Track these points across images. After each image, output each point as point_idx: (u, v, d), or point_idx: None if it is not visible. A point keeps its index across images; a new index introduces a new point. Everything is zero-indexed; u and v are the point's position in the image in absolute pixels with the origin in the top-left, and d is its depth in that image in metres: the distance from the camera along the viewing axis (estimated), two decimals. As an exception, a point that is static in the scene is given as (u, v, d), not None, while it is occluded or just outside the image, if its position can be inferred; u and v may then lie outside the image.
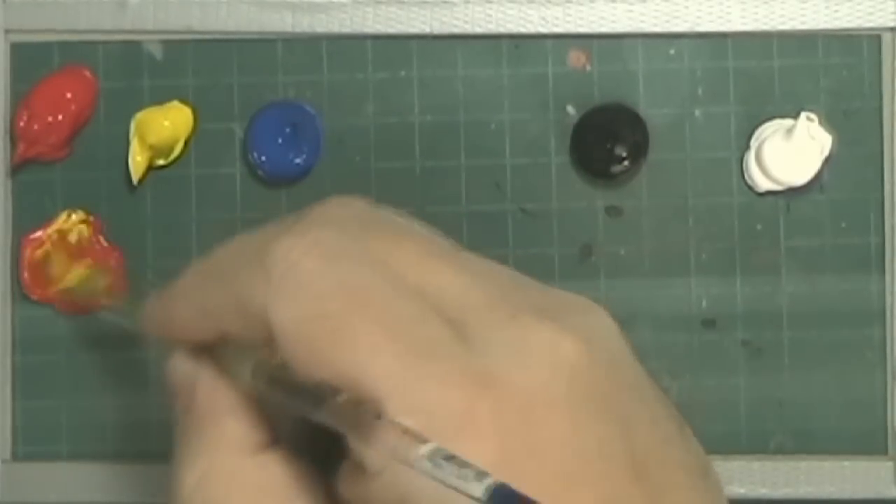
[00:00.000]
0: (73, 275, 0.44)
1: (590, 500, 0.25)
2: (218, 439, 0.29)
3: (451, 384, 0.25)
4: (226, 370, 0.30)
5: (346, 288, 0.26)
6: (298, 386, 0.27)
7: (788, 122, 0.43)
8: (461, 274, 0.28)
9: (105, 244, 0.45)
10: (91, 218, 0.45)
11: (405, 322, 0.26)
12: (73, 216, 0.45)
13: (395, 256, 0.28)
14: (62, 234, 0.45)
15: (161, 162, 0.45)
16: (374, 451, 0.24)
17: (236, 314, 0.28)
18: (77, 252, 0.45)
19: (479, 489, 0.22)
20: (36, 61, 0.45)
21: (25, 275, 0.45)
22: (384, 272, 0.27)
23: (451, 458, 0.23)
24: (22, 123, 0.45)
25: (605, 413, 0.26)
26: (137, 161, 0.44)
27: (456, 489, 0.22)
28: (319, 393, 0.26)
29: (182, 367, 0.30)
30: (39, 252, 0.45)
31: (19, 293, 0.45)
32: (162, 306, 0.31)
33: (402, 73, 0.45)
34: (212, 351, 0.30)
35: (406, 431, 0.24)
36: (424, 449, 0.23)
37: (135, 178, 0.44)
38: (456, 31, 0.44)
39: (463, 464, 0.23)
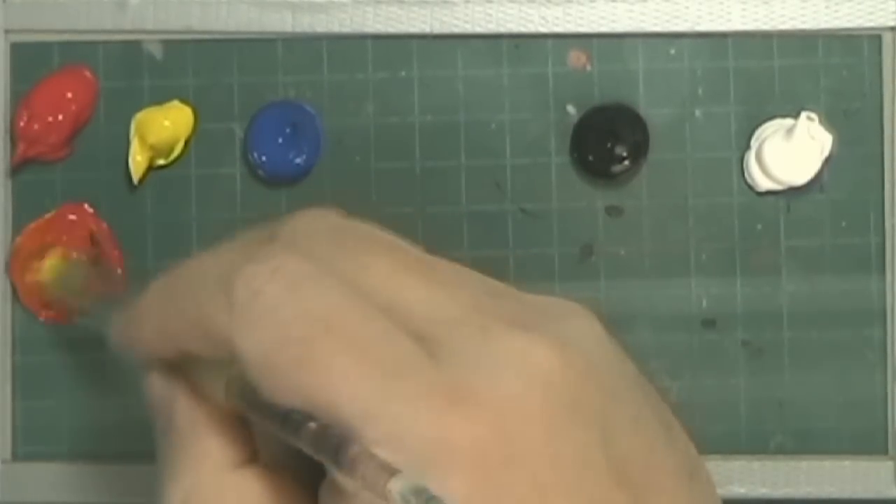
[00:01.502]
0: (47, 266, 0.44)
1: None
2: (199, 457, 0.29)
3: (421, 401, 0.25)
4: (199, 388, 0.30)
5: (310, 313, 0.26)
6: (270, 408, 0.26)
7: (789, 121, 0.43)
8: (431, 288, 0.28)
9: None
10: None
11: (372, 343, 0.26)
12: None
13: (363, 274, 0.27)
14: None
15: (161, 162, 0.45)
16: (346, 479, 0.24)
17: (200, 339, 0.28)
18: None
19: None
20: (36, 61, 0.45)
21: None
22: (350, 294, 0.27)
23: (421, 491, 0.23)
24: (22, 123, 0.45)
25: (583, 420, 0.26)
26: (137, 161, 0.44)
27: None
28: (291, 419, 0.26)
29: (157, 385, 0.30)
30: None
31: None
32: (127, 324, 0.31)
33: (402, 73, 0.45)
34: (184, 368, 0.30)
35: (376, 461, 0.24)
36: (395, 484, 0.23)
37: (135, 178, 0.44)
38: (456, 31, 0.44)
39: (431, 499, 0.22)
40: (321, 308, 0.26)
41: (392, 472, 0.23)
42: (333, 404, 0.25)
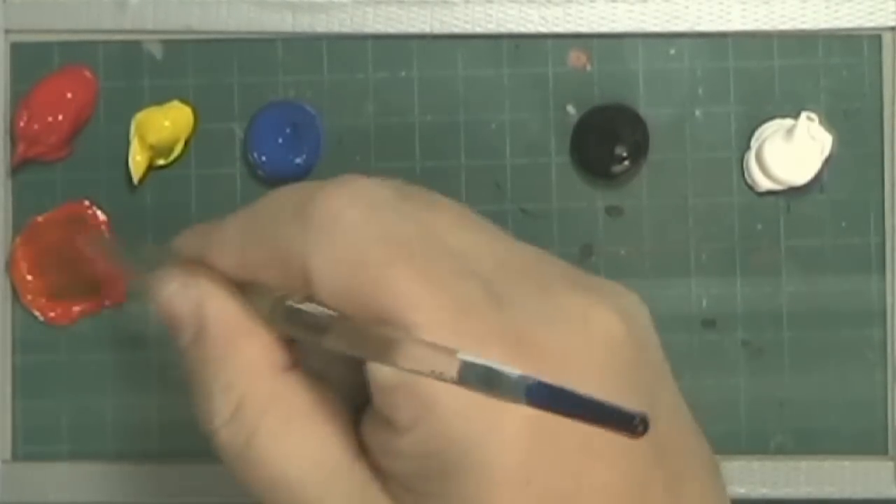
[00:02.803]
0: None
1: (610, 477, 0.25)
2: (247, 361, 0.28)
3: (489, 340, 0.25)
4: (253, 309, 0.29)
5: (387, 238, 0.26)
6: (320, 322, 0.26)
7: (789, 122, 0.43)
8: (496, 242, 0.28)
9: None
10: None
11: (445, 277, 0.26)
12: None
13: (434, 218, 0.28)
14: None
15: (161, 162, 0.45)
16: (403, 362, 0.24)
17: (276, 267, 0.27)
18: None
19: (519, 389, 0.22)
20: (36, 61, 0.45)
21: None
22: (425, 228, 0.27)
23: (484, 367, 0.22)
24: (22, 123, 0.45)
25: (635, 387, 0.26)
26: (137, 161, 0.44)
27: (493, 394, 0.22)
28: (341, 326, 0.25)
29: (185, 293, 0.29)
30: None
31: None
32: (199, 246, 0.30)
33: (402, 73, 0.45)
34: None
35: (436, 345, 0.23)
36: (460, 356, 0.22)
37: (135, 178, 0.44)
38: (456, 31, 0.44)
39: (498, 370, 0.22)
40: (399, 234, 0.26)
41: (453, 350, 0.23)
42: (407, 329, 0.25)
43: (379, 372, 0.25)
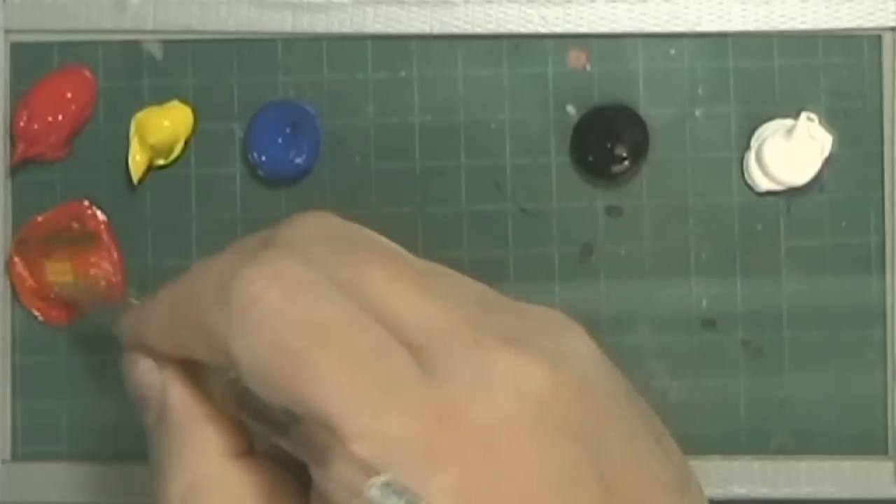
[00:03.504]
0: (55, 269, 0.44)
1: None
2: (201, 446, 0.29)
3: (412, 418, 0.25)
4: (197, 384, 0.30)
5: (306, 322, 0.26)
6: (264, 410, 0.26)
7: (788, 122, 0.43)
8: (426, 298, 0.28)
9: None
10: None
11: (367, 355, 0.26)
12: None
13: (360, 280, 0.27)
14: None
15: (161, 162, 0.45)
16: (330, 484, 0.24)
17: (202, 346, 0.28)
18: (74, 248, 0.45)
19: None
20: (36, 61, 0.45)
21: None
22: (346, 302, 0.27)
23: (402, 491, 0.23)
24: (22, 123, 0.45)
25: (573, 437, 0.26)
26: (137, 161, 0.44)
27: None
28: (283, 419, 0.26)
29: (151, 376, 0.30)
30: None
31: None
32: (135, 326, 0.31)
33: (402, 73, 0.45)
34: (183, 363, 0.30)
35: (361, 462, 0.24)
36: (376, 480, 0.23)
37: (135, 178, 0.44)
38: (456, 31, 0.44)
39: (413, 498, 0.23)
40: (318, 317, 0.26)
41: (375, 471, 0.23)
42: (325, 417, 0.25)
43: (314, 474, 0.26)
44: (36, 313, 0.45)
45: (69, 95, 0.45)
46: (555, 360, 0.27)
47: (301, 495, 0.28)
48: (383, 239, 0.30)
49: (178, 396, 0.30)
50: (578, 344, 0.28)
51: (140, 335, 0.31)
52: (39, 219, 0.45)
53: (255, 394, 0.27)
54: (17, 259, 0.45)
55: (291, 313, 0.26)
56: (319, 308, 0.26)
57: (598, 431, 0.27)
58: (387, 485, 0.23)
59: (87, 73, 0.45)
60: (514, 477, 0.25)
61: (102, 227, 0.45)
